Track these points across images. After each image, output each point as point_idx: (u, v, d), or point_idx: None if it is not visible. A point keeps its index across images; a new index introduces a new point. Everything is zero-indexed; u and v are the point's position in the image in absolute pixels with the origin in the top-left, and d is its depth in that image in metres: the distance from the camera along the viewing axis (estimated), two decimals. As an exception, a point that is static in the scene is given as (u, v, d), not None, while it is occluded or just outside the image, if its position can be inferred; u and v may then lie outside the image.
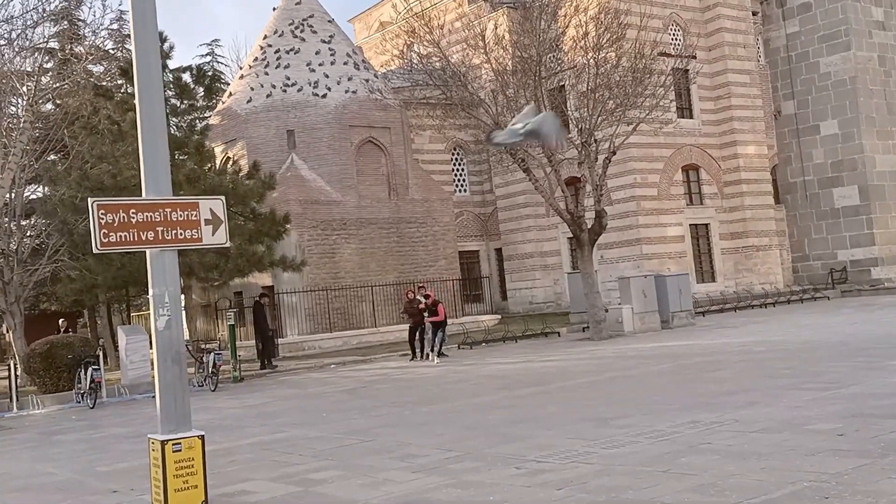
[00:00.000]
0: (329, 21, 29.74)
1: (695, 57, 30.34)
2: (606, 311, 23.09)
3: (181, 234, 8.19)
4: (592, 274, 22.96)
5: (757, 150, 32.59)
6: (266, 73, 28.10)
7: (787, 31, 34.82)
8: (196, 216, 8.35)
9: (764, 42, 35.22)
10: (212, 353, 17.75)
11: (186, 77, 24.15)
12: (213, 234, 8.47)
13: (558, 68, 24.94)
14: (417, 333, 20.29)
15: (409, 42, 25.13)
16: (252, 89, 27.93)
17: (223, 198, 8.46)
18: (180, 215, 8.28)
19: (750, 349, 16.21)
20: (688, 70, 29.49)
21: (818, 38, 33.93)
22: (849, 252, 33.26)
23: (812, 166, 34.16)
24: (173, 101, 24.10)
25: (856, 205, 33.05)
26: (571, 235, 24.90)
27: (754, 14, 34.11)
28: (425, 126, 31.19)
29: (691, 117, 31.74)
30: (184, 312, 25.43)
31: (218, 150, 27.24)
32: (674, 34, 31.71)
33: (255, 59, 28.91)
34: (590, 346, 20.68)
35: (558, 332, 24.59)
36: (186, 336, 23.75)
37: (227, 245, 8.45)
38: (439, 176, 32.71)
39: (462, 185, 34.72)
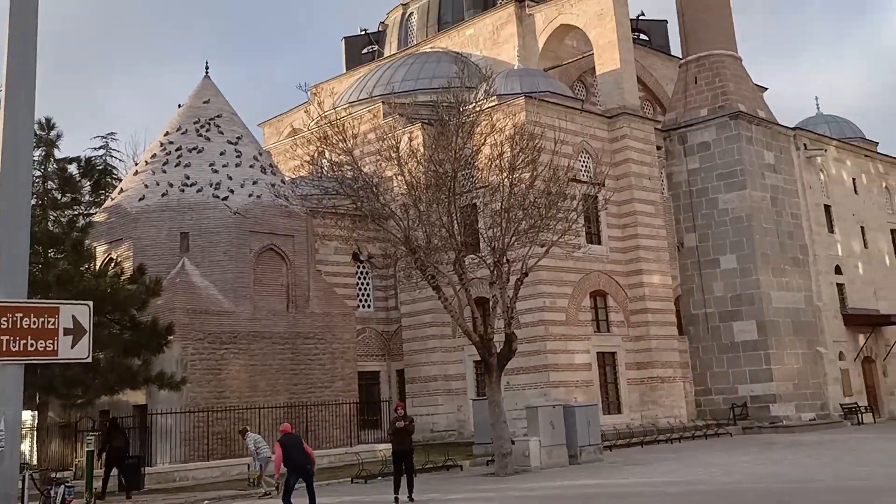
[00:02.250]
0: (238, 122, 28.86)
1: (604, 185, 31.01)
2: (513, 442, 21.94)
3: (32, 346, 6.97)
4: (500, 402, 21.90)
5: (662, 280, 33.13)
6: (164, 171, 26.65)
7: (688, 166, 36.39)
8: (54, 324, 7.06)
9: (667, 175, 36.61)
10: (61, 486, 15.30)
11: (73, 168, 22.62)
12: (72, 347, 7.17)
13: (472, 186, 24.74)
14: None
15: (320, 149, 24.46)
16: (146, 186, 26.33)
17: (90, 303, 7.13)
18: (34, 322, 6.99)
19: (665, 492, 15.37)
20: (597, 197, 30.02)
21: (716, 175, 35.54)
22: (748, 387, 33.62)
23: (713, 299, 34.94)
24: (55, 193, 22.36)
25: (754, 339, 33.73)
26: (478, 359, 23.96)
27: (658, 148, 35.57)
28: (331, 236, 30.16)
29: (600, 243, 32.10)
30: (35, 434, 22.54)
31: (100, 250, 25.19)
32: (584, 161, 32.50)
33: (154, 155, 27.48)
34: (495, 483, 19.32)
35: (461, 466, 23.13)
36: (34, 463, 20.88)
37: (88, 360, 7.09)
38: (343, 289, 31.44)
39: (366, 300, 33.48)
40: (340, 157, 23.39)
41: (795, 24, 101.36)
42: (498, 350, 21.94)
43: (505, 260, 22.40)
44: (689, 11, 38.41)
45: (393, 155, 23.20)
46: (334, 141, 23.19)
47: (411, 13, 46.05)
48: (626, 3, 36.28)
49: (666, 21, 46.58)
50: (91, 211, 26.68)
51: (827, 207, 38.93)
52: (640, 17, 45.51)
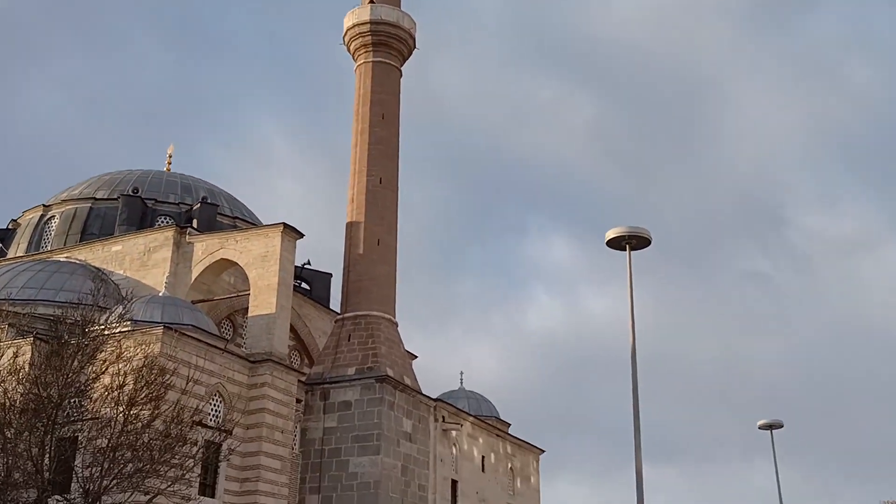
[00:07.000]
0: None
1: (231, 433, 32.00)
2: None
3: None
4: None
5: (278, 549, 33.63)
6: None
7: (325, 424, 38.66)
8: None
9: (302, 431, 38.54)
10: None
11: None
12: None
13: (78, 416, 24.59)
14: None
15: None
16: None
17: None
18: None
19: None
20: (221, 445, 30.84)
21: (352, 437, 37.98)
22: None
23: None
24: None
25: None
26: None
27: (298, 401, 37.77)
28: None
29: (213, 496, 32.02)
30: None
31: None
32: (216, 405, 33.34)
33: None
34: None
35: None
36: None
37: None
38: None
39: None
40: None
41: (449, 298, 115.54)
42: None
43: (98, 504, 22.19)
44: (354, 270, 42.73)
45: (-10, 369, 22.68)
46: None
47: (52, 216, 45.73)
48: (294, 249, 39.52)
49: (331, 275, 50.68)
50: None
51: (454, 483, 43.19)
52: (306, 266, 49.21)
